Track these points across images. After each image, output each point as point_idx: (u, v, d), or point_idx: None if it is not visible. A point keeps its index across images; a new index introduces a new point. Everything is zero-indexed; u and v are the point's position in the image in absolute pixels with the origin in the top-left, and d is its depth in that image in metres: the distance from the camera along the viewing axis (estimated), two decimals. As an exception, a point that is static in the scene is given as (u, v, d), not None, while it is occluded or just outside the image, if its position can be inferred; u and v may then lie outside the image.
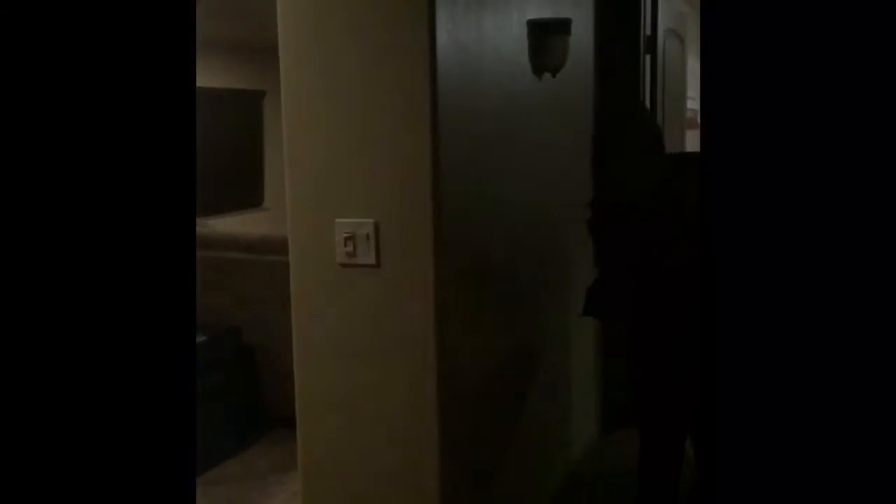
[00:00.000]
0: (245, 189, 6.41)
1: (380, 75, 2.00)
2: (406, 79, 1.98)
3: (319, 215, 2.08)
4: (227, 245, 3.92)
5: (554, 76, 2.75)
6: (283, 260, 2.25)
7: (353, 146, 2.05)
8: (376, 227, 2.03)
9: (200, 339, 3.38)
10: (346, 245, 2.05)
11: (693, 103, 4.81)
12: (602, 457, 3.51)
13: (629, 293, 2.40)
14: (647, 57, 3.63)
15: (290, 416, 2.23)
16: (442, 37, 1.98)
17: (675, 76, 4.04)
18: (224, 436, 3.48)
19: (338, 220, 2.06)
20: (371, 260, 2.04)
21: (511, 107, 2.54)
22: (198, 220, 3.73)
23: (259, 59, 5.53)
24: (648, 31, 3.63)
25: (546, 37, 2.66)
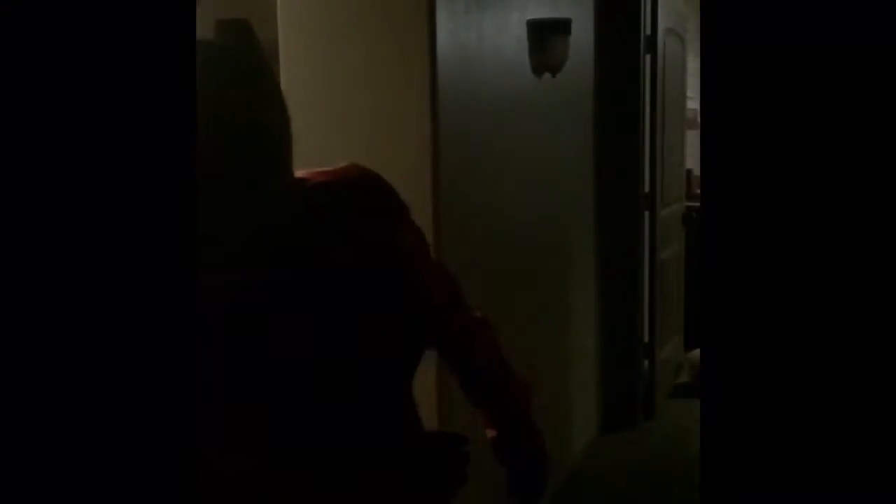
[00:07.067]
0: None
1: (380, 75, 2.00)
2: (406, 79, 1.98)
3: (319, 215, 2.08)
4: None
5: (554, 76, 2.76)
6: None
7: (352, 146, 2.04)
8: (376, 227, 2.03)
9: (200, 338, 3.37)
10: (345, 245, 2.05)
11: (693, 103, 4.81)
12: (602, 457, 3.51)
13: None
14: (647, 57, 3.63)
15: (290, 415, 2.22)
16: (442, 37, 1.98)
17: (675, 76, 4.04)
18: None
19: (338, 219, 2.06)
20: (371, 260, 2.04)
21: (511, 107, 2.54)
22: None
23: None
24: (648, 31, 3.63)
25: (546, 37, 2.66)
